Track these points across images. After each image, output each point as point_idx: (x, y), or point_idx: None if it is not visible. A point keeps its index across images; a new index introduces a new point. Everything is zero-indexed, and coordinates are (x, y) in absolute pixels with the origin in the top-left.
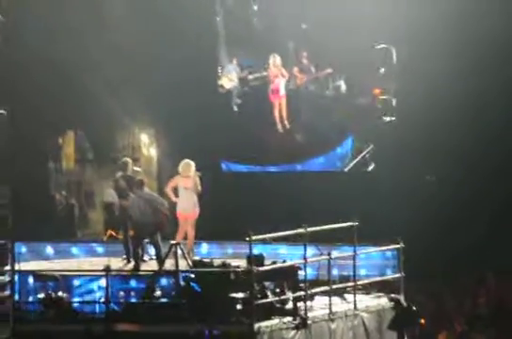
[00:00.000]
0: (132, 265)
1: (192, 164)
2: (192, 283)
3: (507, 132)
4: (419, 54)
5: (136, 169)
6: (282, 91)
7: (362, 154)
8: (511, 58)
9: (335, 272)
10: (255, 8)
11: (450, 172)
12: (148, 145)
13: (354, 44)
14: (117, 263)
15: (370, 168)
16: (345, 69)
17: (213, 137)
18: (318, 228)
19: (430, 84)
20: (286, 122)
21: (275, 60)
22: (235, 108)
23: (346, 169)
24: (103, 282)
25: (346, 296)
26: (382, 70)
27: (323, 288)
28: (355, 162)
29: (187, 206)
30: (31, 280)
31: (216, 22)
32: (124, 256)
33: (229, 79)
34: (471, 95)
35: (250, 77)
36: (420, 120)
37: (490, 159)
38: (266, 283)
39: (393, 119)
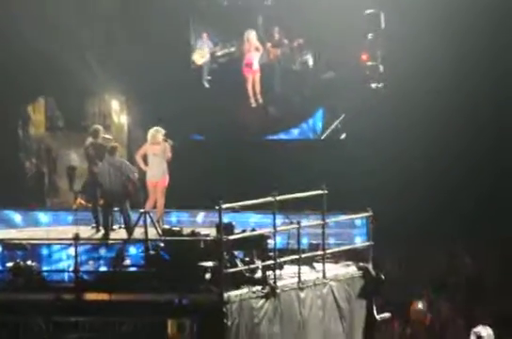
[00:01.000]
0: (101, 233)
1: (161, 131)
2: (161, 252)
3: (496, 95)
4: (406, 19)
5: (106, 136)
6: (256, 66)
7: (335, 124)
8: (503, 22)
9: (304, 241)
10: None
11: (430, 142)
12: (118, 112)
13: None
14: (86, 231)
15: (342, 136)
16: (319, 41)
17: (184, 108)
18: (288, 196)
19: (418, 50)
20: (259, 97)
21: (249, 35)
22: (206, 84)
23: (322, 137)
24: (72, 250)
25: (315, 264)
26: (370, 35)
27: (292, 257)
28: (328, 132)
29: (156, 173)
30: (0, 248)
31: None
32: (94, 225)
33: (200, 55)
34: (460, 62)
35: (218, 54)
36: (406, 87)
37: (473, 126)
38: (236, 252)
39: (380, 85)
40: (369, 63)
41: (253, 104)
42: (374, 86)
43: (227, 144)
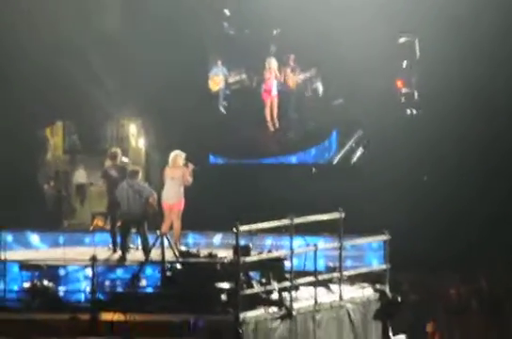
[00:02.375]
0: (117, 254)
1: (182, 154)
2: (178, 274)
3: None
4: (440, 46)
5: (124, 159)
6: (275, 92)
7: (347, 146)
8: None
9: (321, 263)
10: (227, 12)
11: (448, 170)
12: (136, 136)
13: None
14: (103, 253)
15: (354, 159)
16: (333, 69)
17: (201, 132)
18: (304, 219)
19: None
20: (276, 121)
21: (270, 63)
22: (223, 110)
23: (336, 160)
24: (89, 271)
25: (332, 286)
26: (404, 63)
27: (308, 279)
28: (342, 154)
29: (172, 196)
30: (17, 269)
31: (207, 25)
32: (111, 246)
33: (215, 82)
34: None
35: (230, 81)
36: (440, 114)
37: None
38: (252, 274)
39: (415, 112)
40: (404, 90)
41: (271, 129)
42: (409, 112)
43: (244, 167)
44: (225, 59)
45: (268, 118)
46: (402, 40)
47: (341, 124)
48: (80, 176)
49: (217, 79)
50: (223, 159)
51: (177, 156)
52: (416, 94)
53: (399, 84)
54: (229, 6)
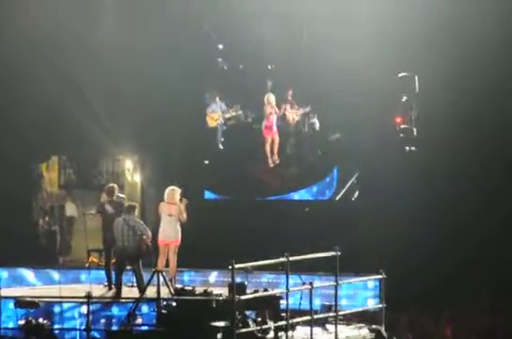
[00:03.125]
0: (113, 291)
1: (178, 191)
2: (174, 312)
3: None
4: (440, 81)
5: (120, 195)
6: (275, 128)
7: (350, 182)
8: None
9: (317, 302)
10: (221, 47)
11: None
12: (132, 171)
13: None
14: (98, 290)
15: (355, 196)
16: (329, 104)
17: (197, 167)
18: (300, 257)
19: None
20: (276, 157)
21: (269, 98)
22: (220, 146)
23: (337, 198)
24: (84, 308)
25: (328, 326)
26: (404, 98)
27: (304, 318)
28: (344, 191)
29: (170, 233)
30: (12, 306)
31: (216, 61)
32: (106, 283)
33: (212, 118)
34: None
35: (226, 116)
36: (438, 151)
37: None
38: (248, 312)
39: (414, 148)
40: (403, 126)
41: (271, 165)
42: (407, 149)
43: (241, 204)
44: (221, 95)
45: (268, 154)
46: (401, 75)
47: (341, 160)
48: (70, 209)
49: (215, 116)
50: (220, 195)
51: (173, 192)
52: (415, 130)
53: (398, 120)
54: (223, 41)
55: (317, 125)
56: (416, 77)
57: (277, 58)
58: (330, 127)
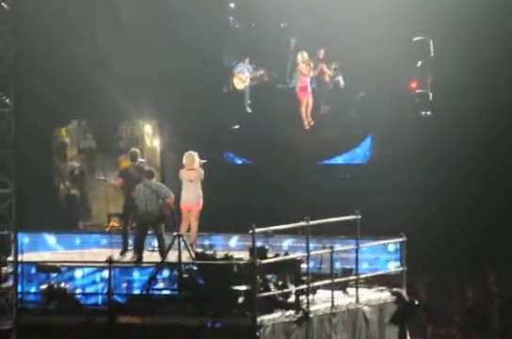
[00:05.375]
0: (131, 255)
1: (196, 156)
2: (195, 276)
3: None
4: (455, 45)
5: (140, 160)
6: (310, 88)
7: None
8: None
9: (337, 266)
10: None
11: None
12: (151, 136)
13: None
14: (119, 254)
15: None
16: (355, 65)
17: (225, 132)
18: (320, 221)
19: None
20: (310, 119)
21: (303, 57)
22: (248, 109)
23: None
24: (105, 273)
25: (348, 289)
26: (419, 63)
27: (325, 282)
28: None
29: (192, 198)
30: (34, 271)
31: (228, 21)
32: (123, 247)
33: (240, 79)
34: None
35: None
36: (454, 115)
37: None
38: (269, 276)
39: (429, 113)
40: (419, 91)
41: (307, 127)
42: (423, 113)
43: (263, 167)
44: (242, 55)
45: (304, 116)
46: (416, 39)
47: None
48: (68, 162)
49: (243, 77)
50: (249, 160)
51: (192, 157)
52: (431, 95)
53: (413, 85)
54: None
55: (342, 83)
56: (431, 41)
57: (290, 18)
58: (355, 86)
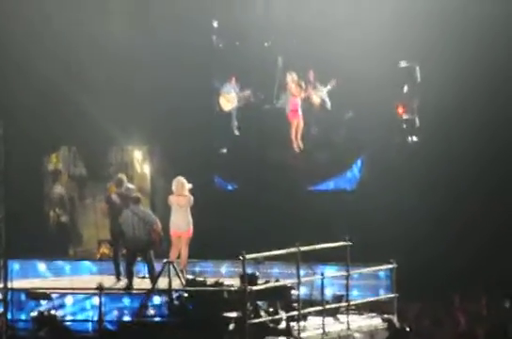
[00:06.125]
0: (123, 282)
1: (185, 182)
2: (185, 302)
3: None
4: (442, 71)
5: (129, 185)
6: (300, 111)
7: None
8: None
9: (328, 292)
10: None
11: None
12: (141, 162)
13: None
14: (110, 281)
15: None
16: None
17: (212, 156)
18: (311, 247)
19: (454, 103)
20: (300, 142)
21: (293, 78)
22: (236, 132)
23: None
24: (95, 300)
25: (339, 316)
26: (405, 88)
27: (316, 308)
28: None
29: (181, 224)
30: (24, 297)
31: (212, 41)
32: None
33: (227, 100)
34: (498, 116)
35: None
36: (440, 141)
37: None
38: (260, 303)
39: (415, 139)
40: (405, 116)
41: (296, 150)
42: (409, 139)
43: (252, 192)
44: (228, 74)
45: (294, 139)
46: (403, 64)
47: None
48: (58, 189)
49: (230, 97)
50: (237, 185)
51: (181, 183)
52: (417, 121)
53: (400, 110)
54: (217, 17)
55: (328, 104)
56: (417, 67)
57: (274, 36)
58: (342, 106)
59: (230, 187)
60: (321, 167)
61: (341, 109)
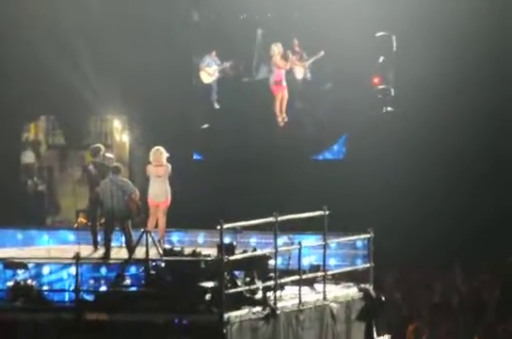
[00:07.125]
0: (100, 252)
1: (164, 152)
2: (162, 272)
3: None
4: (418, 42)
5: (108, 155)
6: (284, 82)
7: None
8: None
9: (306, 262)
10: None
11: (433, 164)
12: (120, 131)
13: (350, 33)
14: (87, 250)
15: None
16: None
17: (187, 127)
18: (289, 216)
19: (429, 72)
20: (285, 115)
21: (277, 49)
22: (216, 105)
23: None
24: (72, 270)
25: (316, 286)
26: (381, 58)
27: (293, 278)
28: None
29: (159, 194)
30: (0, 267)
31: (192, 14)
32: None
33: (207, 73)
34: (472, 85)
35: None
36: (416, 111)
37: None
38: (236, 273)
39: (391, 109)
40: (381, 86)
41: (281, 123)
42: (384, 109)
43: (231, 165)
44: (207, 48)
45: (278, 112)
46: (379, 34)
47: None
48: (27, 156)
49: (210, 70)
50: (206, 157)
51: (159, 153)
52: (392, 91)
53: (376, 80)
54: None
55: (309, 76)
56: (394, 37)
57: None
58: (322, 77)
59: (200, 158)
60: (308, 141)
61: (321, 81)
